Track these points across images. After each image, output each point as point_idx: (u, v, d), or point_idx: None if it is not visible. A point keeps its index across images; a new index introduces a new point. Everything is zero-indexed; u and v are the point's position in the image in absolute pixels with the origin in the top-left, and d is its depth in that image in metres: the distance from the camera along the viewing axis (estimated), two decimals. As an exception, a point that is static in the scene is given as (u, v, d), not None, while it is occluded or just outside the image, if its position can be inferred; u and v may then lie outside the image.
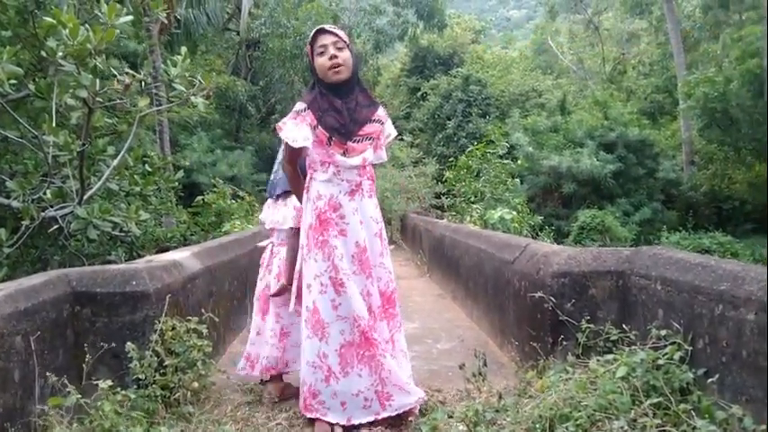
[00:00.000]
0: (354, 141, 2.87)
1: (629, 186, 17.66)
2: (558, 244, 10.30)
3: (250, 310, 5.30)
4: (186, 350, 2.92)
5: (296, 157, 3.00)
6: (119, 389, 2.55)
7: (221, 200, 8.70)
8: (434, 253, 8.03)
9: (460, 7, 46.10)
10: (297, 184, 3.05)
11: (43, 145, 4.48)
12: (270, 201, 3.50)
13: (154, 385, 2.73)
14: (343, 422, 2.81)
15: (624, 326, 2.95)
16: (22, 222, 4.55)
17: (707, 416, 2.21)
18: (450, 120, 21.90)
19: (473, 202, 8.76)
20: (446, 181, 10.57)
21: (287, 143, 2.86)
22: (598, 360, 2.69)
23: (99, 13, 4.15)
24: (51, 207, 4.66)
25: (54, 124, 4.40)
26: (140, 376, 2.71)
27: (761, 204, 16.43)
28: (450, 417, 2.79)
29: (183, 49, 4.87)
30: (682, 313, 2.58)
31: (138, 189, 5.23)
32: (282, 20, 17.76)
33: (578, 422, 2.34)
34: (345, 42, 2.89)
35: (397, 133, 3.25)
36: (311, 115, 2.84)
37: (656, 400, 2.32)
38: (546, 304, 3.18)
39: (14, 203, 4.66)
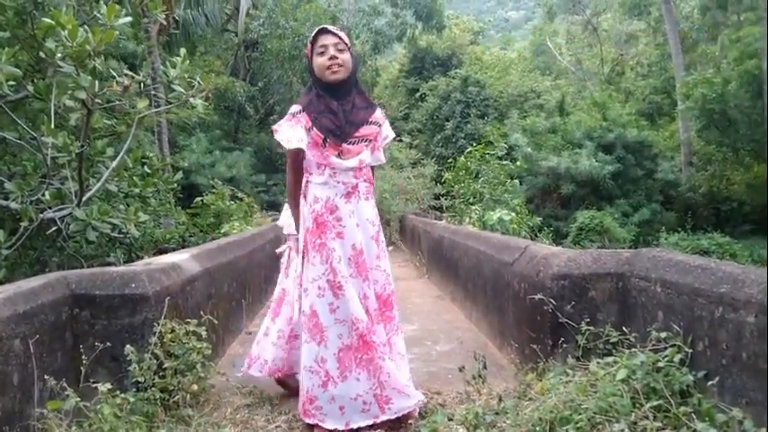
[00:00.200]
0: (350, 143, 2.86)
1: (628, 187, 17.69)
2: (557, 245, 10.32)
3: (248, 311, 5.32)
4: (185, 353, 2.92)
5: (297, 164, 2.97)
6: (118, 392, 2.54)
7: (220, 201, 8.69)
8: (433, 254, 8.03)
9: (459, 8, 46.18)
10: (294, 191, 3.02)
11: (42, 146, 4.47)
12: (287, 205, 3.50)
13: (153, 388, 2.72)
14: (342, 427, 2.80)
15: (624, 328, 2.94)
16: (21, 224, 4.54)
17: (707, 418, 2.21)
18: (448, 121, 21.92)
19: (472, 204, 8.75)
20: (445, 182, 10.56)
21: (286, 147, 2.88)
22: (598, 362, 2.68)
23: (98, 14, 4.14)
24: (50, 209, 4.66)
25: (53, 126, 4.40)
26: (139, 379, 2.70)
27: (759, 205, 16.46)
28: (450, 419, 2.78)
29: (182, 51, 4.87)
30: (682, 315, 2.58)
31: (137, 191, 5.22)
32: (281, 21, 17.77)
33: (578, 425, 2.34)
34: (346, 45, 2.89)
35: (395, 135, 3.25)
36: (306, 117, 2.86)
37: (656, 403, 2.32)
38: (545, 306, 3.17)
39: (13, 205, 4.65)
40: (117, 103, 4.49)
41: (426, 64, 26.36)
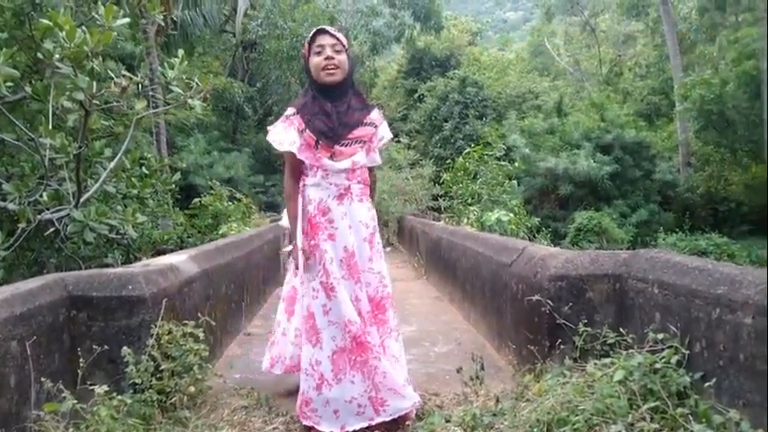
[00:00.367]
0: (342, 145, 2.87)
1: (626, 188, 17.71)
2: (555, 245, 10.31)
3: (247, 312, 5.32)
4: (182, 354, 2.91)
5: (294, 166, 2.97)
6: (115, 394, 2.54)
7: (218, 202, 8.69)
8: (431, 255, 8.03)
9: (457, 9, 46.18)
10: (292, 192, 3.00)
11: (40, 147, 4.47)
12: None
13: (150, 390, 2.72)
14: (337, 430, 2.80)
15: (621, 329, 2.94)
16: (19, 225, 4.54)
17: (704, 420, 2.21)
18: (446, 121, 21.94)
19: (470, 204, 8.73)
20: (443, 183, 10.55)
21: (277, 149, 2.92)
22: (595, 364, 2.68)
23: (96, 15, 4.13)
24: (48, 210, 4.65)
25: (50, 127, 4.39)
26: (136, 381, 2.69)
27: (757, 206, 16.48)
28: (448, 421, 2.78)
29: (180, 52, 4.86)
30: (679, 317, 2.58)
31: (135, 192, 5.21)
32: (279, 21, 17.78)
33: (576, 427, 2.34)
34: (344, 46, 2.89)
35: (392, 136, 3.24)
36: (299, 119, 2.88)
37: (653, 404, 2.32)
38: (543, 308, 3.17)
39: (11, 206, 4.64)
40: (115, 104, 4.48)
41: (425, 65, 26.39)
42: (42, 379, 2.43)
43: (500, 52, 37.24)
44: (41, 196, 4.64)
